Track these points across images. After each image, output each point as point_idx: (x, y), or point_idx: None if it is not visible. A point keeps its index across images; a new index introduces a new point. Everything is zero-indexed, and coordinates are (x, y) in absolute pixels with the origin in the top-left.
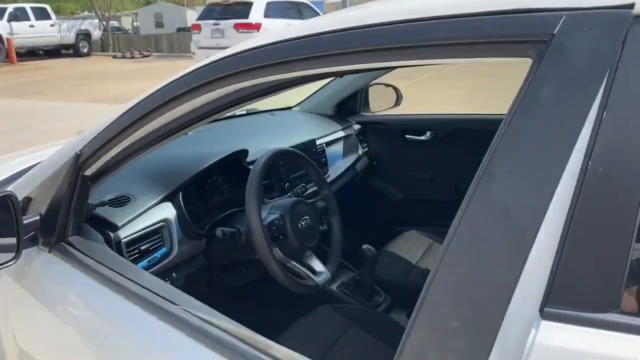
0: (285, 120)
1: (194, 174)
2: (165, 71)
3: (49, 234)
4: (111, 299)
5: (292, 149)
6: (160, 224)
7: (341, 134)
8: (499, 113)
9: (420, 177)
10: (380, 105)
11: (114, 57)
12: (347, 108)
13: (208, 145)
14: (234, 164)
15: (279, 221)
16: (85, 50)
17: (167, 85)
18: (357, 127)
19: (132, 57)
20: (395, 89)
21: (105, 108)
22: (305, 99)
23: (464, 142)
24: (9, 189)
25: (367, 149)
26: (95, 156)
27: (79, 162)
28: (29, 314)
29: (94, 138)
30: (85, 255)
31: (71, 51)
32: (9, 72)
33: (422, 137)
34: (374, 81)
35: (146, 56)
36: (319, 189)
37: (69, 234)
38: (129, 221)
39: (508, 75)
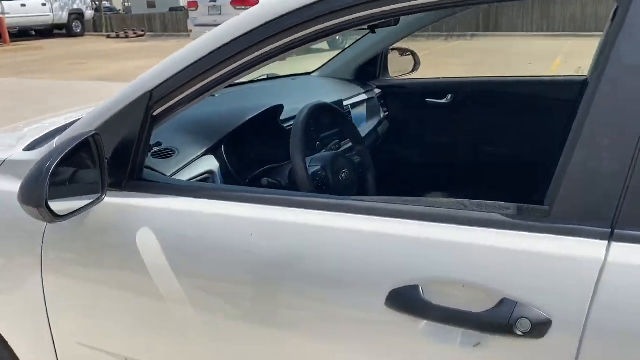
0: (308, 84)
1: (235, 128)
2: (161, 50)
3: (117, 173)
4: (229, 207)
5: (331, 104)
6: (205, 175)
7: (364, 97)
8: (521, 75)
9: (440, 140)
10: (398, 70)
11: (108, 36)
12: (367, 73)
13: (241, 103)
14: (268, 121)
15: (321, 172)
16: (79, 30)
17: (257, 28)
18: (377, 91)
19: (127, 37)
20: (414, 54)
21: (105, 86)
22: (324, 64)
23: (485, 104)
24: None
25: (387, 112)
26: (168, 97)
27: (151, 101)
28: (121, 251)
29: (169, 79)
30: (169, 184)
31: (64, 31)
32: (3, 52)
33: (443, 100)
34: (392, 46)
35: (140, 36)
36: (354, 144)
37: (138, 172)
38: (176, 172)
39: (504, 52)
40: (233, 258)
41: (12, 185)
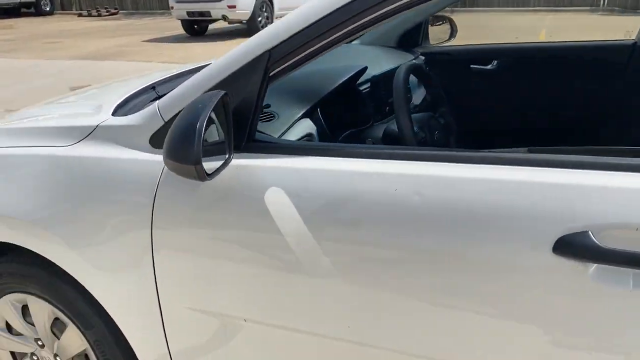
0: (357, 51)
1: (329, 91)
2: (139, 28)
3: (236, 134)
4: (363, 164)
5: (421, 64)
6: (306, 138)
7: (416, 63)
8: (566, 40)
9: (486, 106)
10: (436, 38)
11: (79, 15)
12: (410, 40)
13: (313, 66)
14: (352, 84)
15: (420, 132)
16: (48, 9)
17: None
18: (422, 58)
19: (99, 15)
20: (451, 21)
21: (89, 64)
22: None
23: (530, 69)
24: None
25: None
26: (286, 57)
27: (269, 61)
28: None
29: (289, 38)
30: (289, 145)
31: (32, 10)
32: None
33: (488, 67)
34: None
35: (113, 14)
36: (438, 105)
37: (253, 134)
38: (280, 135)
39: (488, 26)
40: (373, 214)
41: (114, 151)
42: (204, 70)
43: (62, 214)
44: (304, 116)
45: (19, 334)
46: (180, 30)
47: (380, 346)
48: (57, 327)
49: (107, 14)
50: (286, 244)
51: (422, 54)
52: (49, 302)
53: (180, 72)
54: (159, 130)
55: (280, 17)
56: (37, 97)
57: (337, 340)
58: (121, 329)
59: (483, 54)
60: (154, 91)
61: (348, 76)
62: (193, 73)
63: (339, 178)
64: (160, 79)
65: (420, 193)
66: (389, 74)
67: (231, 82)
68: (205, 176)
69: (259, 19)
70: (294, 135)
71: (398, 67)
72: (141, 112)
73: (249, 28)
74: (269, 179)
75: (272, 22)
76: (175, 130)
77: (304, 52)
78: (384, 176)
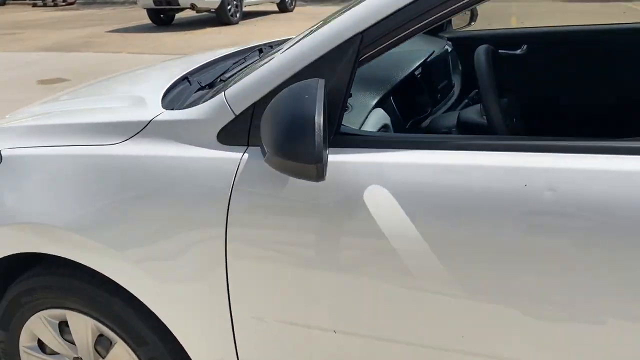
0: None
1: (402, 78)
2: (101, 19)
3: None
4: (474, 157)
5: (492, 47)
6: (383, 129)
7: (448, 48)
8: (597, 23)
9: (515, 90)
10: (457, 22)
11: (34, 5)
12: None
13: None
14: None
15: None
16: None
17: None
18: (449, 43)
19: (55, 5)
20: None
21: (55, 56)
22: None
23: (561, 53)
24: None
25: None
26: (379, 41)
27: (362, 44)
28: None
29: (384, 18)
30: (381, 139)
31: None
32: None
33: (517, 51)
34: None
35: (70, 4)
36: (505, 91)
37: (340, 126)
38: (359, 127)
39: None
40: (498, 213)
41: (174, 149)
42: (280, 57)
43: (113, 221)
44: (376, 106)
45: (53, 353)
46: (146, 20)
47: (509, 357)
48: (101, 345)
49: (63, 3)
50: (392, 249)
51: (448, 39)
52: (92, 317)
53: (216, 59)
54: (228, 124)
55: (250, 5)
56: (4, 92)
57: (446, 351)
58: (183, 345)
59: (511, 38)
60: (191, 82)
61: (421, 61)
62: (228, 59)
63: (452, 173)
64: (191, 69)
65: (554, 188)
66: (434, 60)
67: (317, 69)
68: (323, 175)
69: (228, 7)
70: (370, 126)
71: (442, 52)
72: (204, 104)
73: (218, 17)
74: (367, 176)
75: (241, 10)
76: (281, 124)
77: (397, 35)
78: (510, 170)
